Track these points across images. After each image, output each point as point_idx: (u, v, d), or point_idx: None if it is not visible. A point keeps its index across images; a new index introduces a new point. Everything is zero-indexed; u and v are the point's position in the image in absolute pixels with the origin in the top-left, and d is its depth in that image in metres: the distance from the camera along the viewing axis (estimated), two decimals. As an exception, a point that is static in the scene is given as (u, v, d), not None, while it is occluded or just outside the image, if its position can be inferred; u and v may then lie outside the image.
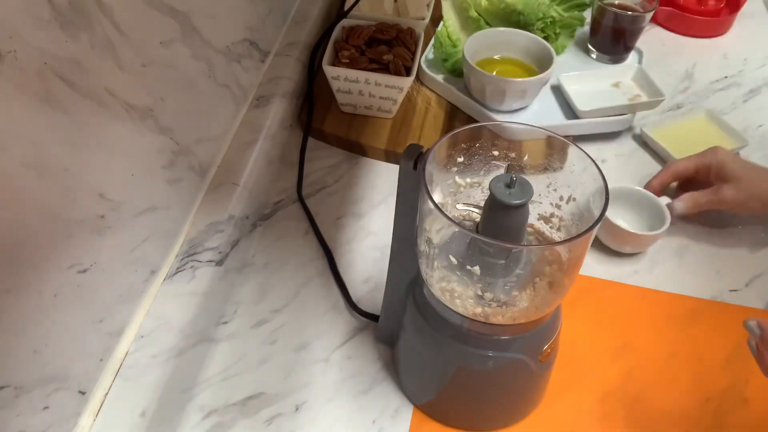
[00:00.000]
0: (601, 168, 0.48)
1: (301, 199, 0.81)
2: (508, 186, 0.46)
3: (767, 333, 0.49)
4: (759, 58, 1.06)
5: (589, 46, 0.99)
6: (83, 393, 0.52)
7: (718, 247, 0.77)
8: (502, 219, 0.47)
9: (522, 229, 0.49)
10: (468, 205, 0.55)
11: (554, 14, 0.93)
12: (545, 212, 0.54)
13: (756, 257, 0.76)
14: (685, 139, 0.86)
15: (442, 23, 0.93)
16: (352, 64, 0.84)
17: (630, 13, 0.92)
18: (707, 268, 0.75)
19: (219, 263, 0.66)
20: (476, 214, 0.55)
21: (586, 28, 0.99)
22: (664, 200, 0.76)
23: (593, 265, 0.75)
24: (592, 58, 0.98)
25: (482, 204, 0.50)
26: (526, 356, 0.55)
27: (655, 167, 0.86)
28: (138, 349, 0.58)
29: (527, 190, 0.47)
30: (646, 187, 0.77)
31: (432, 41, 0.96)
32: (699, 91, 0.99)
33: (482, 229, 0.49)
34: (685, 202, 0.74)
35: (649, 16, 0.93)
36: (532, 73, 0.88)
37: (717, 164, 0.73)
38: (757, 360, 0.51)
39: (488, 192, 0.47)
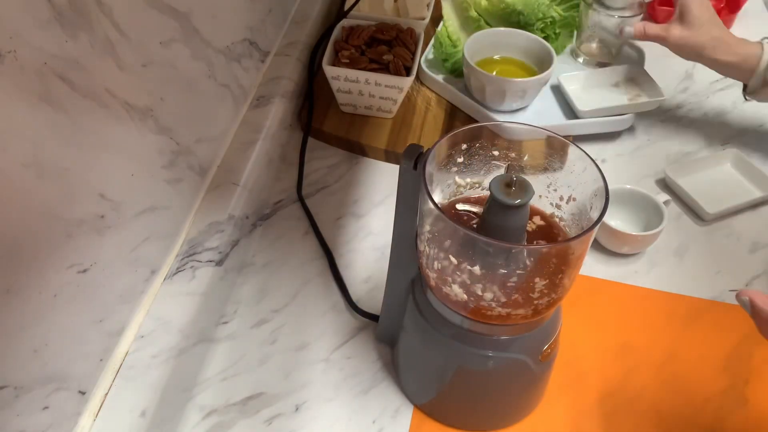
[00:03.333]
0: (601, 168, 0.48)
1: (301, 199, 0.81)
2: (508, 186, 0.46)
3: (758, 309, 0.48)
4: (759, 58, 1.05)
5: (577, 51, 0.98)
6: (83, 393, 0.52)
7: (718, 247, 0.77)
8: (502, 219, 0.47)
9: (522, 229, 0.49)
10: (468, 205, 0.55)
11: (554, 14, 0.93)
12: (545, 212, 0.54)
13: (756, 257, 0.76)
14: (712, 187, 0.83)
15: (442, 23, 0.93)
16: (352, 64, 0.84)
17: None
18: (707, 268, 0.75)
19: (219, 263, 0.66)
20: (476, 214, 0.55)
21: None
22: (662, 198, 0.76)
23: (593, 265, 0.75)
24: (579, 62, 0.98)
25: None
26: (526, 356, 0.55)
27: (655, 168, 0.86)
28: (138, 349, 0.58)
29: (527, 190, 0.47)
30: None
31: (432, 41, 0.96)
32: (699, 91, 0.99)
33: (482, 229, 0.49)
34: (634, 27, 0.82)
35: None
36: (532, 73, 0.88)
37: (682, 2, 0.79)
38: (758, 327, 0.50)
39: (488, 192, 0.47)
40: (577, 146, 0.50)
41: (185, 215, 0.67)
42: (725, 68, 0.79)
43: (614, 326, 0.69)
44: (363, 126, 0.88)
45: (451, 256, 0.49)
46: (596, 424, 0.61)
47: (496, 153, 0.53)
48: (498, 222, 0.48)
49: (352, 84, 0.84)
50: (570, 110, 0.88)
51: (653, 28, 0.80)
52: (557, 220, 0.54)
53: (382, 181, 0.84)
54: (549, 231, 0.54)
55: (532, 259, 0.51)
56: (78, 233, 0.48)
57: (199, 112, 0.67)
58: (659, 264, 0.75)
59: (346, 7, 0.93)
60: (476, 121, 0.88)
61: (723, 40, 0.77)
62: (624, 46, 0.97)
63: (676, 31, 0.78)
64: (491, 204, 0.47)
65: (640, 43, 0.98)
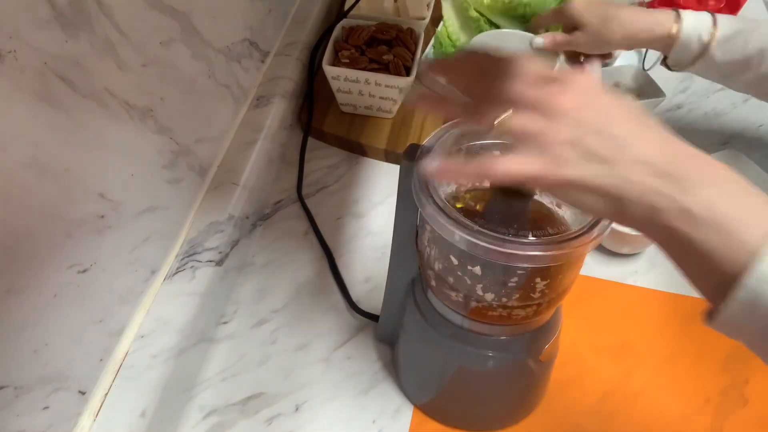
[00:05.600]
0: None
1: (301, 199, 0.81)
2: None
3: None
4: (759, 58, 1.05)
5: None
6: (83, 393, 0.52)
7: (718, 247, 0.77)
8: (503, 219, 0.47)
9: (523, 229, 0.49)
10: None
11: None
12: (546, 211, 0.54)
13: (756, 257, 0.76)
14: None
15: (442, 23, 0.93)
16: (352, 64, 0.84)
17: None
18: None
19: (219, 263, 0.66)
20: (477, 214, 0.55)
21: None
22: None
23: (593, 265, 0.75)
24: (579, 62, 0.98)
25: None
26: (527, 356, 0.55)
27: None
28: (138, 349, 0.58)
29: (528, 190, 0.47)
30: (532, 22, 0.88)
31: (432, 41, 0.96)
32: (699, 91, 0.99)
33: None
34: (544, 38, 0.82)
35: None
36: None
37: (570, 15, 0.80)
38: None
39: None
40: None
41: (185, 215, 0.67)
42: (639, 41, 0.77)
43: (614, 326, 0.69)
44: (363, 126, 0.88)
45: (451, 256, 0.49)
46: (596, 424, 0.61)
47: (497, 152, 0.53)
48: (499, 222, 0.48)
49: (352, 84, 0.84)
50: (570, 110, 0.87)
51: (561, 37, 0.81)
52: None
53: (382, 181, 0.84)
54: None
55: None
56: (78, 233, 0.48)
57: (199, 112, 0.67)
58: (659, 264, 0.75)
59: (346, 7, 0.93)
60: (476, 121, 0.88)
61: (624, 16, 0.76)
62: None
63: (579, 35, 0.79)
64: (492, 203, 0.47)
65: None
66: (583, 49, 0.82)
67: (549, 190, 0.36)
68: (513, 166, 0.35)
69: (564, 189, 0.35)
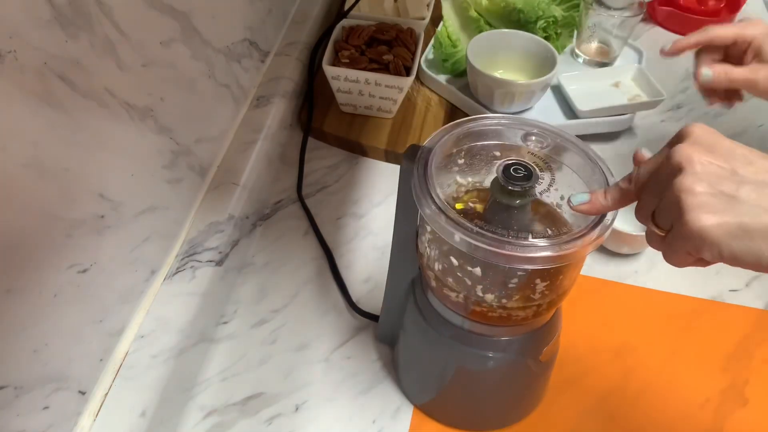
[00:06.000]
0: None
1: (301, 199, 0.81)
2: (509, 180, 0.46)
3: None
4: (759, 58, 1.05)
5: (577, 51, 0.99)
6: (83, 393, 0.52)
7: (718, 247, 0.77)
8: (503, 220, 0.47)
9: (523, 230, 0.49)
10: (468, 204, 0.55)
11: (555, 13, 0.93)
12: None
13: (756, 257, 0.76)
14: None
15: (442, 23, 0.93)
16: (352, 64, 0.84)
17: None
18: (707, 268, 0.74)
19: (219, 263, 0.66)
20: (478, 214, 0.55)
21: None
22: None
23: (593, 265, 0.75)
24: (579, 62, 0.98)
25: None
26: (526, 357, 0.55)
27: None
28: (138, 349, 0.58)
29: (527, 191, 0.47)
30: (672, 47, 0.67)
31: (432, 41, 0.96)
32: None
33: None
34: (714, 69, 0.64)
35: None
36: (532, 75, 0.88)
37: (761, 38, 0.63)
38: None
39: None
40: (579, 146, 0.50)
41: (185, 215, 0.67)
42: None
43: (614, 326, 0.69)
44: (363, 126, 0.88)
45: (451, 257, 0.49)
46: (596, 424, 0.61)
47: (497, 153, 0.53)
48: (499, 223, 0.48)
49: (352, 84, 0.84)
50: (570, 110, 0.88)
51: (738, 72, 0.63)
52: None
53: (382, 181, 0.84)
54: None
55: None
56: (78, 233, 0.48)
57: (199, 112, 0.67)
58: (659, 264, 0.75)
59: (346, 7, 0.93)
60: (476, 121, 0.88)
61: None
62: (625, 46, 0.96)
63: (764, 72, 0.62)
64: (492, 205, 0.47)
65: (640, 44, 0.98)
66: (759, 90, 0.63)
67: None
68: None
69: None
